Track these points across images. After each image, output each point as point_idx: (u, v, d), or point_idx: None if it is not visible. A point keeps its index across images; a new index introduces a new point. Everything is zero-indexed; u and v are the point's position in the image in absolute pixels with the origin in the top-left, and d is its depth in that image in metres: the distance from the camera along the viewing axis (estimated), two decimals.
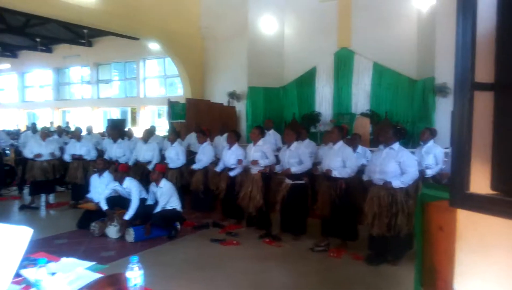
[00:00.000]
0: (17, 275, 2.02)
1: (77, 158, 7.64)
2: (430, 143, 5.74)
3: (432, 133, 5.93)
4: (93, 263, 2.34)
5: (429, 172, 5.47)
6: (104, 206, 5.74)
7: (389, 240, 4.42)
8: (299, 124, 11.89)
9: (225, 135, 7.00)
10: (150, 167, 7.40)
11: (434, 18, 10.25)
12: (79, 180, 7.57)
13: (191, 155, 7.68)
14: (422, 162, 5.55)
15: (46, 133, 7.92)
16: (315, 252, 5.04)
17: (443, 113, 10.14)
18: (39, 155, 7.48)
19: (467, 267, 1.54)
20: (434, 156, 5.59)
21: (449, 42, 9.78)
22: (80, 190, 7.38)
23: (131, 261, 1.80)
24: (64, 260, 2.36)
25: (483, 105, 1.26)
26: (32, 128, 9.55)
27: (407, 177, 4.38)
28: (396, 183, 4.35)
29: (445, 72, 9.99)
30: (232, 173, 6.20)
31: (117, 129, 8.44)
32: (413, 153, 5.48)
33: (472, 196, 1.14)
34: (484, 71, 1.23)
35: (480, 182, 1.24)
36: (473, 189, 1.19)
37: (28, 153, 7.63)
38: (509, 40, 1.18)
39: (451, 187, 1.19)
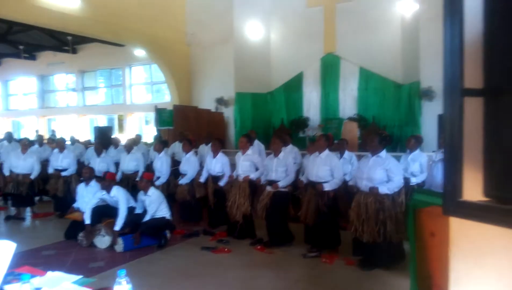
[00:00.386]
0: None
1: (57, 172, 7.45)
2: (417, 151, 5.80)
3: (418, 140, 5.98)
4: (80, 276, 2.28)
5: (414, 180, 5.53)
6: (87, 220, 5.59)
7: (380, 247, 4.43)
8: (288, 129, 11.90)
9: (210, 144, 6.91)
10: (138, 179, 7.28)
11: (418, 23, 10.38)
12: (60, 193, 7.37)
13: (175, 165, 7.59)
14: (408, 169, 5.62)
15: (26, 145, 7.59)
16: (307, 258, 5.02)
17: (429, 116, 10.26)
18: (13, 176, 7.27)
19: (462, 274, 1.54)
20: (420, 164, 5.66)
21: (433, 47, 9.93)
22: (62, 202, 7.23)
23: (118, 275, 1.75)
24: (50, 274, 2.30)
25: (473, 110, 1.26)
26: (8, 138, 9.15)
27: (393, 184, 4.47)
28: (383, 189, 4.43)
29: (430, 76, 10.12)
30: (221, 183, 6.15)
31: (101, 142, 8.24)
32: (399, 159, 5.55)
33: (465, 204, 1.13)
34: (473, 77, 1.23)
35: (472, 188, 1.24)
36: (465, 196, 1.18)
37: (6, 168, 7.41)
38: (496, 44, 1.18)
39: (443, 195, 1.18)
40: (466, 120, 1.20)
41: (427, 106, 10.41)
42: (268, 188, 5.55)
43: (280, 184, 5.40)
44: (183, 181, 6.70)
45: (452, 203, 1.16)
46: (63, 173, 7.44)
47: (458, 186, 1.14)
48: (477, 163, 1.23)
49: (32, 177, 7.38)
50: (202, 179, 6.56)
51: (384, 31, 11.78)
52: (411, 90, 10.81)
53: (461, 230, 1.53)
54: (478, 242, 1.48)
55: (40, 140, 9.47)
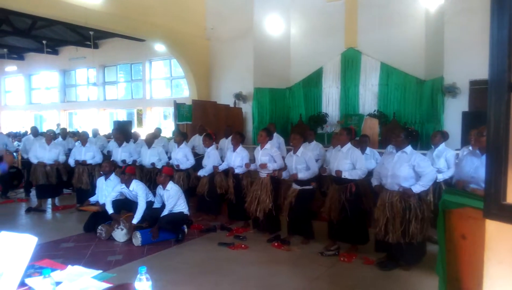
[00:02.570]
0: (22, 284, 1.96)
1: (81, 164, 7.57)
2: (442, 146, 5.61)
3: (444, 136, 5.81)
4: (100, 271, 2.27)
5: (441, 176, 5.34)
6: (110, 210, 5.68)
7: (403, 247, 4.30)
8: (306, 125, 11.80)
9: (230, 137, 6.90)
10: (158, 166, 7.39)
11: (443, 17, 10.10)
12: (84, 185, 7.49)
13: (195, 157, 7.61)
14: (433, 166, 5.42)
15: (51, 136, 7.80)
16: (325, 256, 4.94)
17: (452, 113, 10.00)
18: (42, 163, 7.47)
19: (496, 280, 1.45)
20: (445, 159, 5.47)
21: (458, 42, 9.68)
22: (85, 194, 7.33)
23: (139, 271, 1.72)
24: (70, 268, 2.29)
25: None
26: (33, 132, 9.36)
27: (426, 179, 4.24)
28: (417, 188, 4.22)
29: (454, 72, 9.87)
30: (237, 171, 6.11)
31: (122, 133, 8.35)
32: (424, 155, 5.38)
33: (509, 207, 1.05)
34: None
35: None
36: (509, 199, 1.10)
37: (32, 157, 7.58)
38: None
39: (485, 197, 1.10)
40: None
41: (450, 103, 10.15)
42: (294, 186, 5.47)
43: (300, 175, 5.31)
44: (201, 172, 6.69)
45: (495, 206, 1.08)
46: (89, 161, 7.58)
47: (502, 188, 1.06)
48: None
49: (51, 162, 7.54)
50: (221, 168, 6.51)
51: (407, 25, 11.52)
52: (434, 86, 10.55)
53: (497, 233, 1.44)
54: None
55: (63, 133, 9.63)
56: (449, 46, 9.89)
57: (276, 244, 5.40)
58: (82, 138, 7.87)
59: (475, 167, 3.82)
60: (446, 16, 9.97)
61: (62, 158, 7.72)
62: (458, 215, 1.98)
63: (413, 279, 4.25)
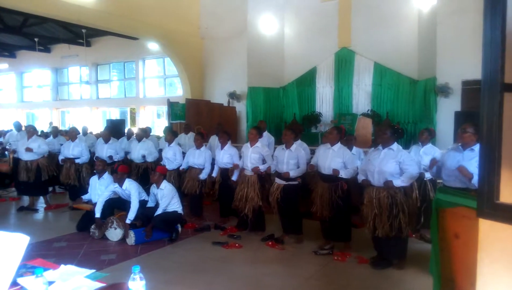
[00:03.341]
0: (14, 283, 1.95)
1: (69, 160, 7.49)
2: (429, 145, 5.69)
3: (431, 134, 5.88)
4: (93, 270, 2.25)
5: (428, 175, 5.41)
6: (97, 213, 5.61)
7: (391, 242, 4.36)
8: (300, 125, 11.81)
9: None
10: (150, 158, 7.43)
11: (435, 18, 10.16)
12: (72, 181, 7.45)
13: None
14: (420, 163, 5.49)
15: (31, 132, 7.56)
16: (319, 255, 4.96)
17: (444, 113, 10.07)
18: (29, 149, 7.25)
19: (490, 279, 1.46)
20: (432, 158, 5.52)
21: (450, 42, 9.74)
22: (77, 191, 7.29)
23: (133, 271, 1.72)
24: (63, 268, 2.28)
25: (511, 107, 1.18)
26: (16, 127, 9.12)
27: (406, 175, 4.35)
28: (397, 182, 4.33)
29: (446, 72, 9.93)
30: (234, 178, 6.10)
31: (110, 130, 8.27)
32: (409, 151, 5.45)
33: (502, 206, 1.06)
34: None
35: (509, 190, 1.17)
36: (502, 198, 1.11)
37: (20, 154, 7.43)
38: None
39: (478, 196, 1.11)
40: (505, 117, 1.12)
41: (442, 103, 10.22)
42: (277, 181, 5.48)
43: (291, 173, 5.32)
44: (202, 176, 6.60)
45: (488, 205, 1.09)
46: (76, 160, 7.51)
47: (495, 187, 1.07)
48: None
49: (37, 156, 7.35)
50: (214, 174, 6.54)
51: (400, 25, 11.57)
52: (427, 86, 10.61)
53: (490, 232, 1.45)
54: (509, 246, 1.40)
55: (55, 131, 9.53)
56: (442, 46, 9.95)
57: (270, 243, 5.41)
58: (71, 134, 7.81)
59: (457, 161, 3.94)
60: (439, 16, 10.03)
61: (43, 148, 7.43)
62: (451, 214, 2.00)
63: (406, 278, 4.29)
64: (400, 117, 11.50)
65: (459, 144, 4.21)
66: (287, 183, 5.39)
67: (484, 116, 1.11)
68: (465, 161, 4.03)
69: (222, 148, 6.34)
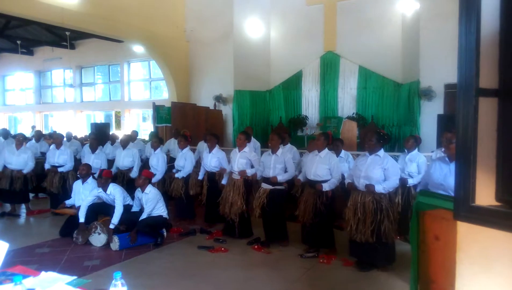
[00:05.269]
0: None
1: (54, 168, 7.37)
2: (415, 151, 5.76)
3: (417, 141, 5.96)
4: (74, 277, 2.22)
5: (411, 181, 5.48)
6: (81, 218, 5.53)
7: (373, 248, 4.39)
8: (286, 128, 11.85)
9: None
10: (131, 174, 7.22)
11: (418, 22, 10.32)
12: (54, 189, 7.27)
13: (171, 162, 7.53)
14: (405, 169, 5.58)
15: (21, 141, 7.47)
16: (305, 259, 4.97)
17: (428, 116, 10.22)
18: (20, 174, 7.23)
19: (468, 280, 1.49)
20: (417, 165, 5.61)
21: (433, 46, 9.90)
22: (59, 199, 7.14)
23: (114, 277, 1.70)
24: (44, 274, 2.24)
25: (487, 112, 1.20)
26: (3, 134, 8.98)
27: (389, 184, 4.43)
28: (379, 188, 4.39)
29: (429, 75, 10.09)
30: (223, 182, 6.08)
31: (98, 138, 8.12)
32: (397, 159, 5.52)
33: (477, 209, 1.08)
34: (488, 76, 1.17)
35: (485, 193, 1.19)
36: (478, 201, 1.13)
37: (1, 162, 7.29)
38: None
39: (455, 199, 1.13)
40: (480, 122, 1.15)
41: (426, 106, 10.37)
42: (264, 186, 5.48)
43: (279, 177, 5.33)
44: (179, 175, 6.63)
45: (464, 208, 1.11)
46: (60, 169, 7.35)
47: (470, 191, 1.09)
48: (490, 167, 1.18)
49: (25, 171, 7.27)
50: (200, 176, 6.52)
51: (384, 30, 11.73)
52: (411, 90, 10.76)
53: (469, 234, 1.48)
54: (487, 248, 1.43)
55: (38, 135, 9.36)
56: (425, 50, 10.11)
57: (256, 246, 5.41)
58: (56, 140, 7.65)
59: (444, 174, 3.90)
60: (422, 21, 10.20)
61: (30, 165, 7.37)
62: (431, 217, 2.03)
63: (391, 280, 4.32)
64: (385, 120, 11.63)
65: (445, 155, 4.21)
66: (273, 187, 5.40)
67: (459, 120, 1.13)
68: (453, 174, 4.04)
69: (210, 151, 6.32)
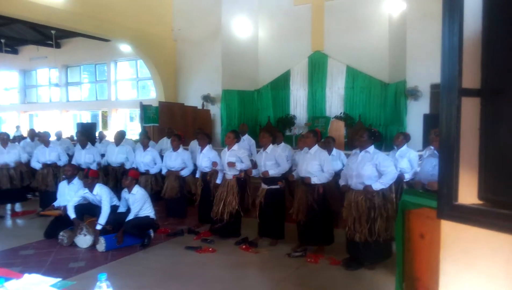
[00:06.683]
0: None
1: (48, 165, 7.27)
2: (404, 147, 5.81)
3: (406, 137, 6.00)
4: (59, 279, 2.18)
5: (407, 176, 5.52)
6: (72, 215, 5.48)
7: (368, 245, 4.41)
8: (275, 127, 11.87)
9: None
10: (127, 166, 7.21)
11: (405, 23, 10.44)
12: (49, 187, 7.19)
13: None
14: (396, 166, 5.60)
15: (5, 140, 7.36)
16: (292, 258, 4.98)
17: (414, 115, 10.35)
18: (5, 165, 7.12)
19: (452, 277, 1.50)
20: (408, 160, 5.65)
21: (419, 46, 10.02)
22: (50, 197, 7.04)
23: (99, 279, 1.67)
24: (27, 277, 2.20)
25: (470, 111, 1.22)
26: None
27: (386, 177, 4.38)
28: (377, 186, 4.35)
29: (416, 75, 10.21)
30: (218, 181, 6.05)
31: (86, 135, 8.05)
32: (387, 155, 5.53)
33: (460, 208, 1.09)
34: (470, 76, 1.19)
35: (467, 191, 1.20)
36: (461, 200, 1.14)
37: None
38: (495, 44, 1.14)
39: (438, 198, 1.14)
40: (463, 121, 1.16)
41: (412, 105, 10.50)
42: (262, 185, 5.49)
43: (271, 172, 5.32)
44: (184, 172, 6.57)
45: (447, 206, 1.12)
46: (59, 163, 7.31)
47: (453, 189, 1.10)
48: (472, 165, 1.19)
49: (23, 160, 7.27)
50: (197, 175, 6.47)
51: (371, 30, 11.83)
52: (397, 89, 10.88)
53: (452, 232, 1.50)
54: (470, 245, 1.44)
55: (31, 134, 9.24)
56: (411, 50, 10.24)
57: (244, 246, 5.39)
58: (43, 138, 7.55)
59: (433, 165, 3.99)
60: (408, 21, 10.32)
61: (24, 157, 7.38)
62: (416, 215, 2.05)
63: (378, 278, 4.35)
64: (372, 120, 11.73)
65: (434, 149, 4.28)
66: (269, 187, 5.40)
67: (443, 120, 1.14)
68: None
69: (201, 150, 6.28)
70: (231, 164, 5.61)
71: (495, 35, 1.11)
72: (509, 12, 1.06)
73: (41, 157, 7.34)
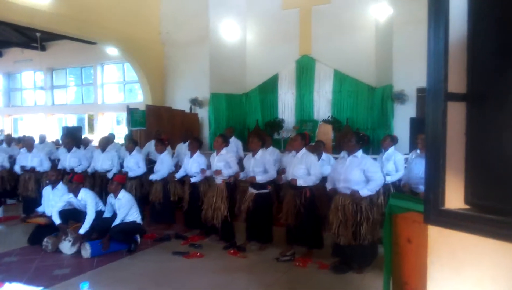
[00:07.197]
0: None
1: (29, 170, 7.14)
2: (391, 150, 5.85)
3: (393, 140, 6.05)
4: (40, 288, 2.13)
5: (389, 179, 5.55)
6: (57, 220, 5.38)
7: (355, 249, 4.41)
8: (263, 131, 11.87)
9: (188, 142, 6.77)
10: (109, 175, 7.07)
11: (391, 28, 10.55)
12: (31, 193, 7.06)
13: (150, 164, 7.40)
14: (382, 168, 5.64)
15: None
16: (281, 262, 4.96)
17: (401, 119, 10.43)
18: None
19: (439, 283, 1.50)
20: (394, 162, 5.69)
21: (406, 51, 10.12)
22: (33, 203, 6.92)
23: (81, 288, 1.63)
24: (7, 286, 2.14)
25: (455, 116, 1.22)
26: None
27: (374, 184, 4.40)
28: (364, 192, 4.36)
29: (402, 79, 10.31)
30: (193, 179, 6.01)
31: (71, 138, 7.93)
32: (375, 159, 5.56)
33: (447, 213, 1.08)
34: (456, 81, 1.19)
35: (454, 196, 1.20)
36: (447, 205, 1.14)
37: None
38: (480, 49, 1.14)
39: (425, 203, 1.13)
40: (449, 126, 1.16)
41: (399, 109, 10.59)
42: (250, 189, 5.46)
43: (258, 178, 5.30)
44: (153, 176, 6.51)
45: (434, 211, 1.11)
46: (37, 168, 7.16)
47: (440, 194, 1.09)
48: (459, 170, 1.19)
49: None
50: (177, 175, 6.38)
51: (358, 34, 11.92)
52: (384, 93, 10.97)
53: (439, 237, 1.49)
54: (457, 250, 1.44)
55: (8, 139, 9.08)
56: (397, 55, 10.34)
57: (232, 251, 5.36)
58: (27, 143, 7.42)
59: (423, 168, 4.00)
60: (394, 26, 10.43)
61: (6, 165, 7.27)
62: (403, 220, 2.05)
63: (366, 282, 4.36)
64: (360, 124, 11.80)
65: (423, 153, 4.30)
66: (257, 191, 5.37)
67: (429, 124, 1.13)
68: None
69: (191, 156, 6.22)
70: (218, 172, 5.57)
71: (480, 40, 1.11)
72: (493, 18, 1.06)
73: (23, 161, 7.21)
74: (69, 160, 7.19)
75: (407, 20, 10.07)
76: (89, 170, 7.22)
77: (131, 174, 6.72)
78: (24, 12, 9.56)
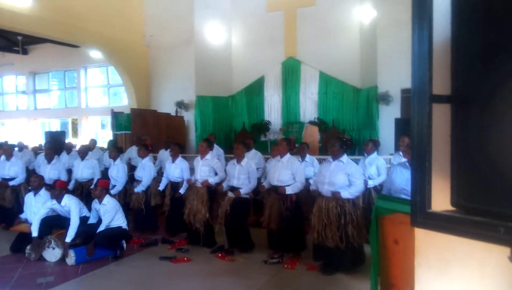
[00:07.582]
0: None
1: (5, 181, 6.95)
2: (374, 154, 5.92)
3: (375, 145, 6.14)
4: None
5: (371, 183, 5.62)
6: (34, 232, 5.22)
7: (340, 252, 4.43)
8: (249, 133, 11.84)
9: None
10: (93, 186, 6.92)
11: (375, 30, 10.65)
12: (7, 203, 6.85)
13: (132, 170, 7.27)
14: (365, 172, 5.70)
15: None
16: (269, 265, 4.95)
17: (386, 120, 10.52)
18: None
19: (427, 284, 1.50)
20: (376, 167, 5.77)
21: (390, 52, 10.23)
22: (9, 213, 6.74)
23: None
24: None
25: (441, 118, 1.22)
26: None
27: (355, 188, 4.48)
28: (345, 194, 4.44)
29: (387, 81, 10.41)
30: (182, 191, 5.95)
31: (54, 147, 7.68)
32: (357, 163, 5.61)
33: (433, 215, 1.08)
34: (441, 83, 1.19)
35: (440, 198, 1.20)
36: (434, 207, 1.14)
37: None
38: (464, 51, 1.14)
39: (412, 206, 1.13)
40: (434, 128, 1.16)
41: (384, 110, 10.69)
42: (230, 194, 5.44)
43: (242, 191, 5.32)
44: (138, 189, 6.41)
45: (421, 214, 1.11)
46: (11, 183, 6.93)
47: (426, 197, 1.09)
48: (445, 172, 1.19)
49: None
50: (161, 187, 6.34)
51: (343, 36, 12.01)
52: (369, 95, 11.06)
53: (426, 239, 1.50)
54: (443, 252, 1.45)
55: None
56: (382, 56, 10.44)
57: (219, 255, 5.32)
58: (7, 151, 7.21)
59: (406, 179, 3.94)
60: (378, 28, 10.53)
61: None
62: (390, 221, 2.05)
63: (355, 283, 4.37)
64: (345, 125, 11.88)
65: (406, 160, 4.32)
66: (237, 196, 5.36)
67: (414, 126, 1.13)
68: None
69: (173, 161, 6.17)
70: (205, 183, 5.54)
71: (463, 43, 1.12)
72: (477, 20, 1.06)
73: (0, 170, 7.01)
74: (49, 172, 6.93)
75: (391, 22, 10.18)
76: (71, 184, 6.94)
77: (113, 190, 6.47)
78: (5, 16, 9.36)
